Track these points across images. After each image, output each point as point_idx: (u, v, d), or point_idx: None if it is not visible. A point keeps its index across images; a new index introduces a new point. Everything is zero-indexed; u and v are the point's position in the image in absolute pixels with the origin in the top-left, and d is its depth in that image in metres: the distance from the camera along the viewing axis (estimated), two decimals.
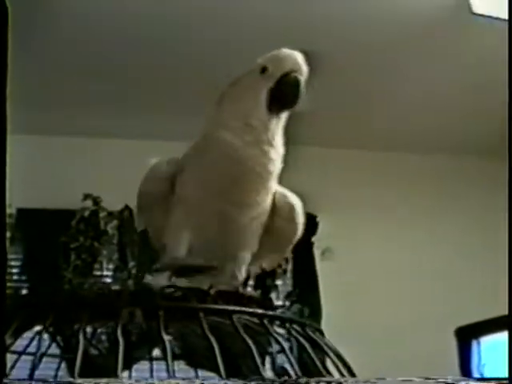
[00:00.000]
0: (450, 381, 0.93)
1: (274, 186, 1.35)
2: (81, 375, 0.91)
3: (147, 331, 1.12)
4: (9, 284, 3.69)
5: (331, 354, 1.06)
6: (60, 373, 1.36)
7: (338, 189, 4.21)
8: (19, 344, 1.12)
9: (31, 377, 0.98)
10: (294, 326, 1.09)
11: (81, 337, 0.96)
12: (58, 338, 1.30)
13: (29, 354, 1.17)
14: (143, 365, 1.45)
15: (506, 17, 2.59)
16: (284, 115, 1.31)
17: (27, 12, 2.94)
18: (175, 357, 1.33)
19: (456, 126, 4.20)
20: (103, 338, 1.32)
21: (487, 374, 2.75)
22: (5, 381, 0.91)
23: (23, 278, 3.77)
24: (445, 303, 3.93)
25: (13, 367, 1.14)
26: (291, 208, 1.39)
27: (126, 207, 3.48)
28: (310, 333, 1.09)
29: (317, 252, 4.04)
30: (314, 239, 4.05)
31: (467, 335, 2.93)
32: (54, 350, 1.32)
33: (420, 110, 4.04)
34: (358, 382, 1.04)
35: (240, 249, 1.36)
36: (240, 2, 3.08)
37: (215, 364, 0.92)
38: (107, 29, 3.24)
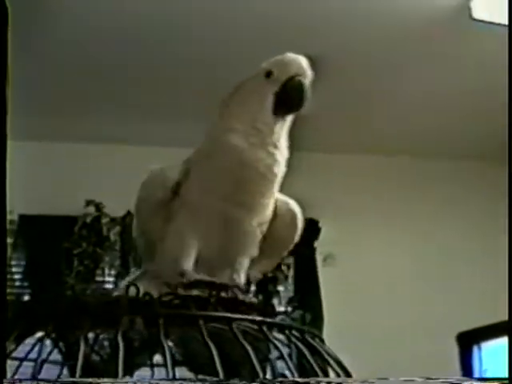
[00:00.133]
0: (451, 381, 0.93)
1: (276, 192, 1.36)
2: None
3: (148, 337, 1.12)
4: (11, 290, 3.69)
5: (331, 361, 1.06)
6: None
7: (339, 194, 4.21)
8: (21, 350, 1.12)
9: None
10: (294, 332, 1.10)
11: (82, 343, 0.96)
12: (60, 344, 1.30)
13: (30, 360, 1.17)
14: (145, 371, 1.45)
15: (506, 22, 2.60)
16: (289, 119, 1.32)
17: (27, 14, 2.94)
18: (177, 363, 1.33)
19: (457, 131, 4.20)
20: (105, 343, 1.32)
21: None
22: (8, 381, 0.91)
23: (25, 284, 3.77)
24: (446, 309, 3.93)
25: (15, 374, 1.14)
26: (293, 216, 1.40)
27: (129, 213, 3.48)
28: (310, 339, 1.09)
29: (319, 258, 4.05)
30: (316, 244, 4.05)
31: (468, 340, 2.94)
32: (56, 355, 1.32)
33: (421, 115, 4.04)
34: (355, 382, 1.04)
35: (241, 254, 1.37)
36: (240, 7, 3.09)
37: (216, 370, 0.92)
38: (107, 34, 3.24)
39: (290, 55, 1.30)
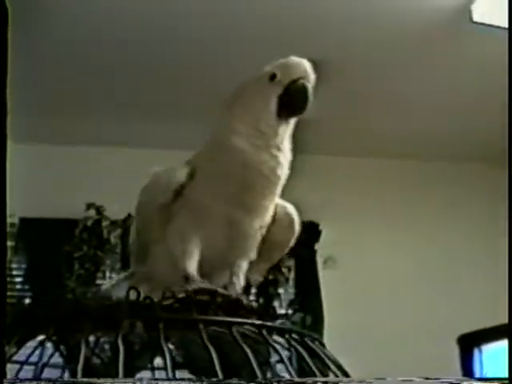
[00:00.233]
0: (449, 380, 0.93)
1: (277, 196, 1.36)
2: None
3: (149, 340, 1.13)
4: (12, 293, 3.69)
5: (331, 365, 1.06)
6: None
7: (340, 197, 4.22)
8: (22, 353, 1.13)
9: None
10: (294, 335, 1.10)
11: (83, 347, 0.96)
12: (61, 347, 1.30)
13: (31, 364, 1.17)
14: (146, 375, 1.45)
15: (506, 25, 2.60)
16: (292, 121, 1.33)
17: (27, 14, 2.94)
18: (177, 366, 1.33)
19: (458, 134, 4.20)
20: (106, 346, 1.32)
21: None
22: (10, 381, 0.91)
23: (26, 287, 3.77)
24: (447, 311, 3.93)
25: (16, 376, 1.14)
26: (291, 220, 1.41)
27: (129, 216, 3.48)
28: (310, 343, 1.09)
29: (319, 260, 4.05)
30: (316, 247, 4.05)
31: (469, 343, 2.93)
32: (57, 359, 1.32)
33: (423, 118, 4.05)
34: (352, 382, 1.04)
35: (240, 257, 1.37)
36: (241, 8, 3.09)
37: (216, 373, 0.92)
38: (107, 36, 3.25)
39: (294, 58, 1.31)
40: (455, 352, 2.98)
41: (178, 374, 1.31)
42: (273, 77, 1.30)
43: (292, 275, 3.88)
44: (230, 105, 1.34)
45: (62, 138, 4.02)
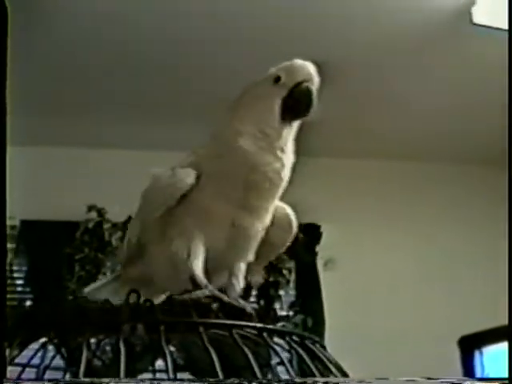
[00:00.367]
0: (450, 380, 0.94)
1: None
2: None
3: (150, 343, 1.13)
4: (13, 295, 3.69)
5: (331, 367, 1.07)
6: None
7: (341, 198, 4.22)
8: (24, 355, 1.13)
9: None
10: (294, 338, 1.10)
11: (84, 349, 0.96)
12: (63, 349, 1.31)
13: (33, 366, 1.17)
14: (147, 377, 1.45)
15: (506, 27, 2.60)
16: (296, 124, 1.33)
17: (26, 16, 2.94)
18: (179, 368, 1.33)
19: (458, 136, 4.21)
20: (107, 348, 1.32)
21: None
22: (8, 381, 0.91)
23: (27, 289, 3.77)
24: (448, 313, 3.93)
25: (18, 378, 1.14)
26: (289, 221, 1.42)
27: (130, 218, 3.48)
28: (310, 345, 1.09)
29: (320, 262, 4.05)
30: (317, 249, 4.05)
31: (470, 345, 2.93)
32: (59, 360, 1.32)
33: (423, 120, 4.05)
34: (352, 382, 1.04)
35: (240, 258, 1.38)
36: (241, 10, 3.10)
37: (217, 375, 0.92)
38: (107, 36, 3.25)
39: (298, 61, 1.32)
40: (456, 353, 2.98)
41: (179, 376, 1.31)
42: (277, 79, 1.30)
43: (293, 277, 3.88)
44: (235, 106, 1.35)
45: (63, 139, 4.02)
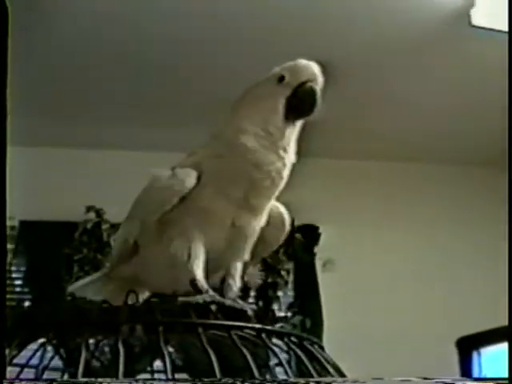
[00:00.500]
0: (446, 381, 0.94)
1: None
2: None
3: (148, 344, 1.13)
4: (11, 296, 3.69)
5: (329, 368, 1.07)
6: None
7: (340, 199, 4.22)
8: (22, 355, 1.13)
9: None
10: (293, 339, 1.10)
11: (83, 350, 0.96)
12: (61, 350, 1.31)
13: (31, 367, 1.17)
14: (145, 377, 1.45)
15: (505, 29, 2.61)
16: (299, 124, 1.33)
17: (25, 18, 2.94)
18: (177, 369, 1.33)
19: (458, 136, 4.21)
20: (106, 349, 1.32)
21: None
22: (8, 381, 0.91)
23: (26, 289, 3.77)
24: (447, 314, 3.93)
25: (17, 378, 1.14)
26: (283, 220, 1.41)
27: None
28: (309, 346, 1.09)
29: (318, 263, 4.05)
30: (316, 250, 4.05)
31: (468, 346, 2.93)
32: (57, 361, 1.32)
33: (422, 121, 4.05)
34: (346, 382, 1.04)
35: (237, 258, 1.38)
36: (241, 10, 3.10)
37: (215, 376, 0.93)
38: (107, 36, 3.25)
39: (302, 61, 1.32)
40: (455, 354, 2.98)
41: (178, 377, 1.31)
42: (281, 79, 1.30)
43: (291, 278, 3.87)
44: (237, 106, 1.34)
45: (62, 140, 4.03)
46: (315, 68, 1.31)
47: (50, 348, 1.19)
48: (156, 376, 1.42)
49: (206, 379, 0.92)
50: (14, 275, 3.78)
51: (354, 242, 4.12)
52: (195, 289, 1.24)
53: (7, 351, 1.03)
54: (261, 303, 3.58)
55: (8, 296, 3.62)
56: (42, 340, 1.12)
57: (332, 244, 4.00)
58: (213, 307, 1.08)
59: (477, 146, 4.28)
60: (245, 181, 1.28)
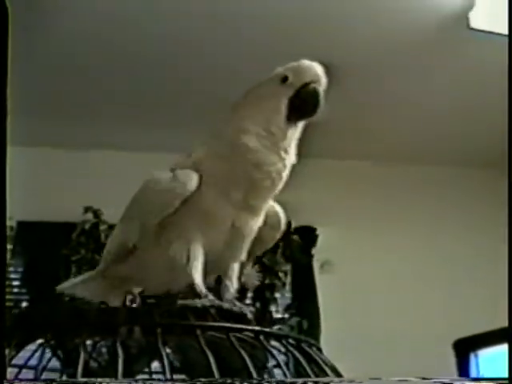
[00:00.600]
0: (444, 381, 0.94)
1: None
2: None
3: (146, 345, 1.13)
4: (9, 296, 3.69)
5: (327, 369, 1.07)
6: None
7: (337, 201, 4.22)
8: (20, 356, 1.13)
9: None
10: (291, 341, 1.10)
11: (82, 352, 0.96)
12: (59, 351, 1.31)
13: (29, 367, 1.17)
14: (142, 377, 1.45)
15: (504, 32, 2.61)
16: (300, 125, 1.32)
17: (25, 18, 2.93)
18: (175, 370, 1.33)
19: (457, 139, 4.21)
20: (103, 350, 1.32)
21: None
22: (8, 381, 0.91)
23: (23, 290, 3.77)
24: (446, 316, 3.93)
25: (15, 379, 1.14)
26: (279, 219, 1.41)
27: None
28: (307, 348, 1.09)
29: (316, 264, 4.05)
30: (313, 251, 4.05)
31: (465, 348, 2.93)
32: (55, 362, 1.32)
33: (422, 123, 4.06)
34: (343, 382, 1.04)
35: (234, 259, 1.37)
36: (241, 12, 3.10)
37: (214, 377, 0.93)
38: (107, 36, 3.25)
39: (306, 62, 1.31)
40: (452, 356, 2.98)
41: (175, 378, 1.31)
42: (284, 79, 1.30)
43: (289, 280, 3.87)
44: (239, 105, 1.33)
45: (61, 141, 4.02)
46: (319, 69, 1.31)
47: (48, 349, 1.19)
48: (154, 377, 1.42)
49: (204, 379, 0.92)
50: (11, 275, 3.78)
51: (352, 243, 4.11)
52: (194, 293, 1.23)
53: (6, 351, 1.03)
54: (258, 305, 3.58)
55: (5, 296, 3.62)
56: (40, 341, 1.12)
57: (330, 246, 4.00)
58: (212, 310, 1.07)
59: (477, 148, 4.28)
60: (245, 181, 1.27)
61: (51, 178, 3.95)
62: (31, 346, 1.13)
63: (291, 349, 1.08)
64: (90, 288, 1.43)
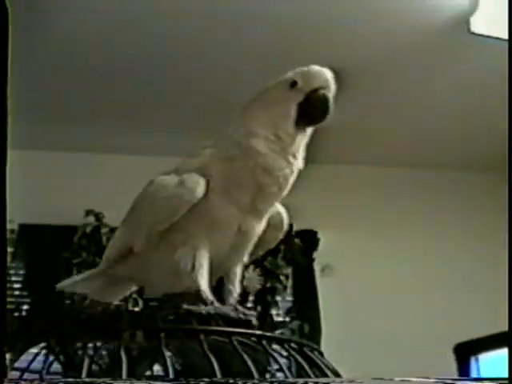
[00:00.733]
0: (445, 381, 0.94)
1: None
2: None
3: (148, 348, 1.13)
4: (10, 299, 3.69)
5: (329, 373, 1.07)
6: None
7: (338, 205, 4.22)
8: (23, 359, 1.13)
9: None
10: (293, 345, 1.10)
11: (86, 356, 0.97)
12: (60, 355, 1.31)
13: (31, 371, 1.17)
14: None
15: (504, 36, 2.61)
16: (309, 131, 1.32)
17: (25, 18, 2.94)
18: (176, 373, 1.33)
19: (457, 143, 4.21)
20: (104, 353, 1.32)
21: None
22: (8, 381, 0.91)
23: (25, 293, 3.77)
24: (445, 319, 3.93)
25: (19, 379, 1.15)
26: (281, 219, 1.41)
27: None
28: (309, 352, 1.09)
29: (317, 268, 4.05)
30: (314, 255, 4.05)
31: (466, 352, 2.93)
32: (57, 365, 1.33)
33: (422, 128, 4.06)
34: (343, 382, 1.05)
35: (237, 262, 1.37)
36: (241, 14, 3.10)
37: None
38: (107, 40, 3.25)
39: (315, 67, 1.30)
40: (453, 360, 2.98)
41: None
42: (293, 84, 1.29)
43: (290, 283, 3.87)
44: (248, 108, 1.33)
45: (61, 144, 4.02)
46: (328, 74, 1.30)
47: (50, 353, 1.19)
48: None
49: (206, 379, 0.92)
50: (12, 278, 3.78)
51: (353, 247, 4.12)
52: (199, 299, 1.21)
53: (8, 355, 1.03)
54: (259, 308, 3.58)
55: (7, 299, 3.62)
56: (42, 344, 1.12)
57: (331, 249, 4.00)
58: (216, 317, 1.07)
59: (477, 153, 4.28)
60: (253, 185, 1.26)
61: (52, 180, 3.95)
62: (32, 350, 1.13)
63: (293, 353, 1.08)
64: (91, 285, 1.44)
